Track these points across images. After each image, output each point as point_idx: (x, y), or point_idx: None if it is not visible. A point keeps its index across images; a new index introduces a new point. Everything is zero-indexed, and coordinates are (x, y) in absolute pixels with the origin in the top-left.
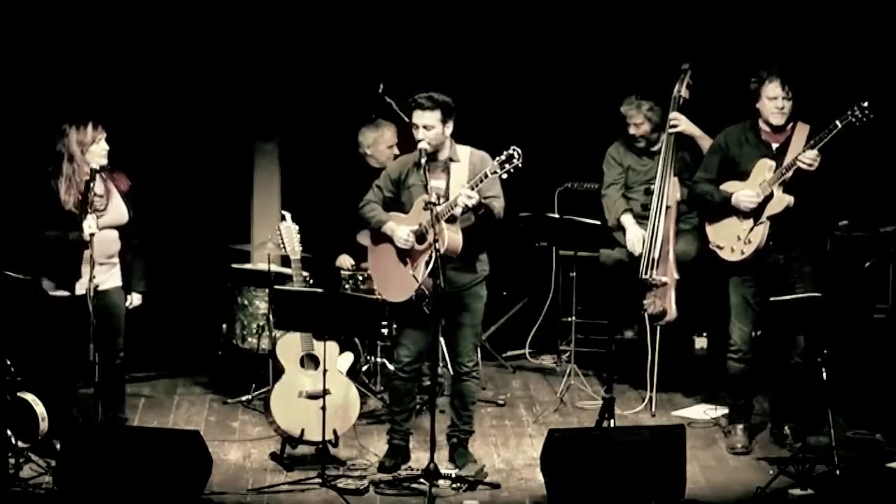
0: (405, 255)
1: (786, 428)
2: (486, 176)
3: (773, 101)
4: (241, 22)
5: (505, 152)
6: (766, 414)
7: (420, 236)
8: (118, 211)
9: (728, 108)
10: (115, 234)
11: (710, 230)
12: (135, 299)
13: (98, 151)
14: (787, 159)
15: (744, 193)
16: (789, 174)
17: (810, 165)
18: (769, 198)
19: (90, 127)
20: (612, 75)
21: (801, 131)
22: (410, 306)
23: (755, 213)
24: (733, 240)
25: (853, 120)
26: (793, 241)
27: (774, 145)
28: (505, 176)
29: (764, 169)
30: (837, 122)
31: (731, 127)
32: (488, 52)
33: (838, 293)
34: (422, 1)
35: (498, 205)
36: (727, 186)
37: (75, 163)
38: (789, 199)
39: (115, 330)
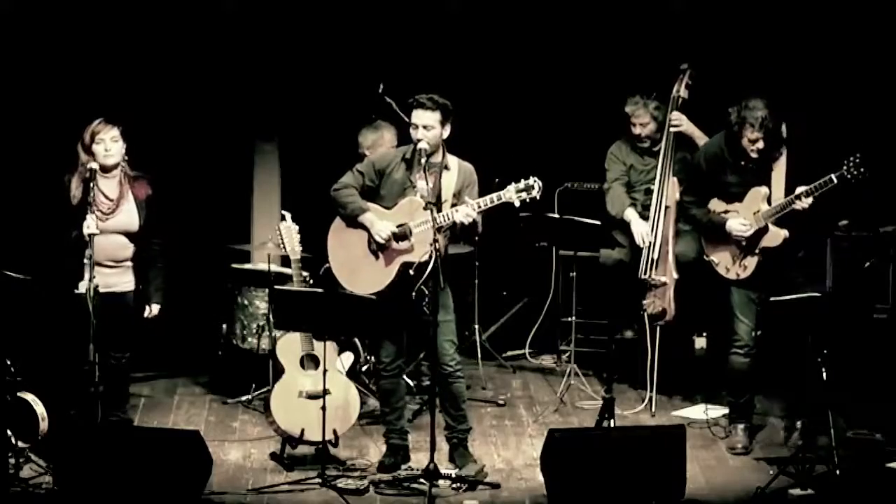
0: (378, 250)
1: (798, 423)
2: (501, 199)
3: (753, 144)
4: (241, 22)
5: (524, 181)
6: (766, 413)
7: (401, 235)
8: (128, 217)
9: (727, 108)
10: (124, 239)
11: (706, 245)
12: (153, 310)
13: (100, 151)
14: (775, 178)
15: (737, 224)
16: (783, 213)
17: (805, 209)
18: (764, 230)
19: (92, 126)
20: (612, 75)
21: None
22: (385, 305)
23: (749, 243)
24: (728, 261)
25: (848, 176)
26: (789, 260)
27: (755, 166)
28: (518, 204)
29: (758, 198)
30: (833, 177)
31: (709, 146)
32: (489, 52)
33: (838, 293)
34: (422, 1)
35: (479, 220)
36: (717, 205)
37: (80, 161)
38: (784, 234)
39: (123, 333)
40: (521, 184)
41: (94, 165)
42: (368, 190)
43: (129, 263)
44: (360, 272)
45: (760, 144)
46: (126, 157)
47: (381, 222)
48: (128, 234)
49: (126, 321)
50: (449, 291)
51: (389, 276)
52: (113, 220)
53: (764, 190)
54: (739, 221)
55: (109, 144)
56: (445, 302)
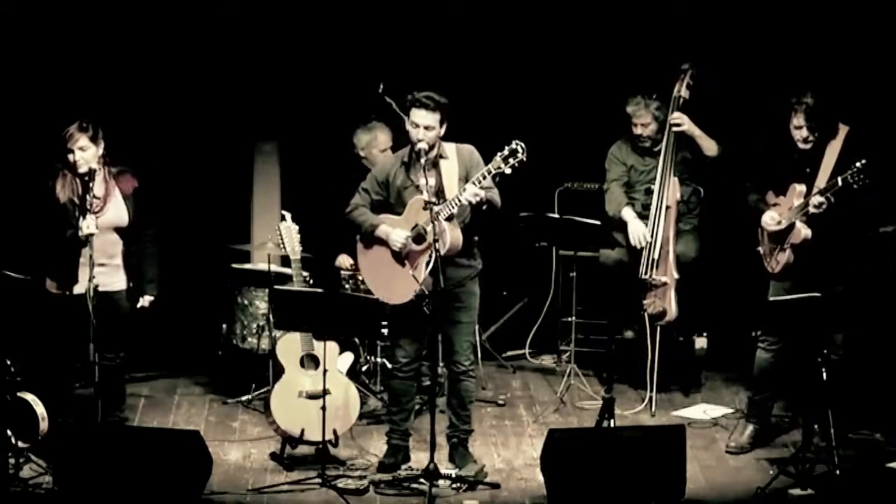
0: (402, 257)
1: (815, 427)
2: (490, 172)
3: (798, 131)
4: (241, 22)
5: (507, 147)
6: (775, 415)
7: (417, 237)
8: (117, 212)
9: (728, 108)
10: (115, 236)
11: (759, 235)
12: (146, 301)
13: (71, 159)
14: (821, 173)
15: (767, 216)
16: (803, 211)
17: (818, 208)
18: (792, 226)
19: (64, 133)
20: (612, 75)
21: (838, 138)
22: (405, 306)
23: (780, 238)
24: (768, 253)
25: (850, 181)
26: (820, 262)
27: (809, 157)
28: (509, 171)
29: (793, 195)
30: (839, 180)
31: (768, 135)
32: (488, 51)
33: (838, 293)
34: (422, 1)
35: (496, 196)
36: (771, 198)
37: (67, 161)
38: (806, 234)
39: (117, 333)
40: (506, 150)
41: (94, 165)
42: (379, 203)
43: (120, 262)
44: (393, 284)
45: (804, 132)
46: (104, 156)
47: (395, 231)
48: (118, 230)
49: (119, 321)
50: (472, 290)
51: (419, 279)
52: (103, 218)
53: (801, 187)
54: (770, 215)
55: (78, 155)
56: (471, 303)
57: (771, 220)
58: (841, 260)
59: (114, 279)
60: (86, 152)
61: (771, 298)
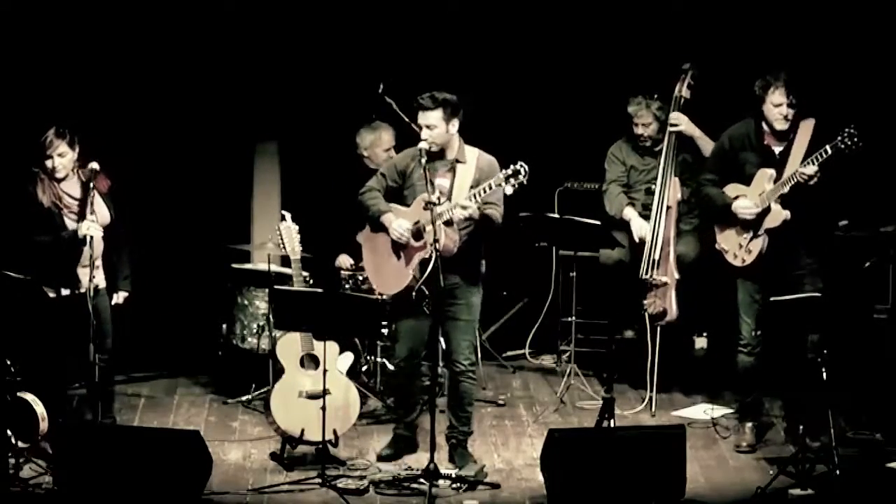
0: (399, 249)
1: (800, 429)
2: (491, 187)
3: (778, 108)
4: (241, 22)
5: (511, 167)
6: (772, 415)
7: (416, 233)
8: (101, 211)
9: (728, 108)
10: (100, 233)
11: (717, 232)
12: (120, 297)
13: (50, 165)
14: (790, 164)
15: (742, 204)
16: (786, 189)
17: (808, 180)
18: (767, 211)
19: (43, 138)
20: (613, 75)
21: (805, 131)
22: (405, 303)
23: (754, 225)
24: (736, 246)
25: (842, 146)
26: (793, 250)
27: (777, 149)
28: (510, 191)
29: (763, 179)
30: (827, 148)
31: (735, 127)
32: (489, 52)
33: (838, 293)
34: (422, 1)
35: (497, 213)
36: (730, 190)
37: (45, 166)
38: (786, 214)
39: (103, 332)
40: (509, 170)
41: (95, 166)
42: (392, 191)
43: (101, 261)
44: (385, 272)
45: (784, 110)
46: (77, 160)
47: (396, 221)
48: (103, 228)
49: (106, 320)
50: (472, 289)
51: (409, 274)
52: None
53: (770, 171)
54: (744, 202)
55: (57, 161)
56: (471, 301)
57: (745, 207)
58: (813, 251)
59: (98, 279)
60: (64, 158)
61: (771, 299)
